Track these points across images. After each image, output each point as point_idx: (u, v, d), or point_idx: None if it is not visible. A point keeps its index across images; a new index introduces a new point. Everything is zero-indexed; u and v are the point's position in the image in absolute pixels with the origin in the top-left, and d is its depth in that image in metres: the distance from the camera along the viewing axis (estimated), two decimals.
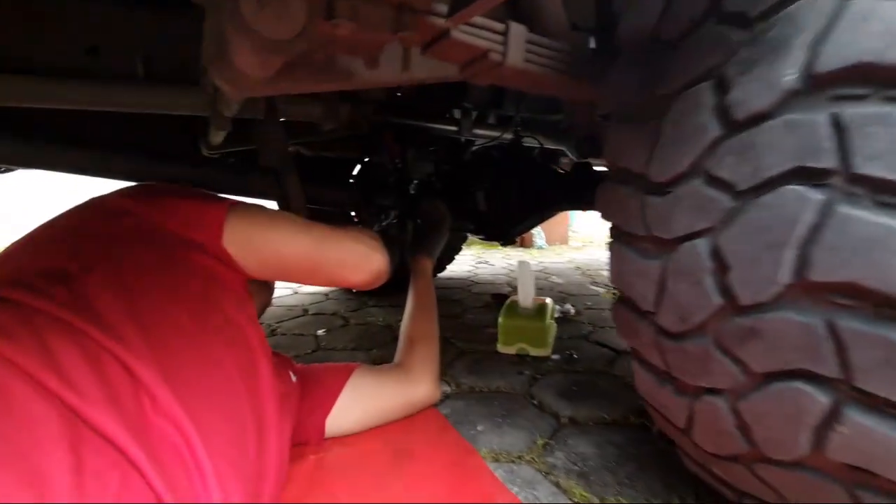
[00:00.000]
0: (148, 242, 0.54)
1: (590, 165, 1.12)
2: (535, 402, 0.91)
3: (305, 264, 0.66)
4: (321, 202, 1.15)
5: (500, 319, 1.21)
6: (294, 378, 0.73)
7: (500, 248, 3.80)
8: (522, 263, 1.26)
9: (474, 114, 1.22)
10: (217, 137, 1.16)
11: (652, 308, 0.43)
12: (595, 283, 2.22)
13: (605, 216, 0.49)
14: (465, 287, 2.12)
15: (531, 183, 1.18)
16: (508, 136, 1.30)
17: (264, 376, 0.58)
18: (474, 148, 1.36)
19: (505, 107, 1.26)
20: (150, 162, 0.84)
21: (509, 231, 1.24)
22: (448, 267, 2.28)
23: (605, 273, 2.56)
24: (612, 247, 0.48)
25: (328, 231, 0.68)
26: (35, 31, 0.84)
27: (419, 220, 1.14)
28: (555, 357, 1.16)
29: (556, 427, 0.81)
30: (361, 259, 0.68)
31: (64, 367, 0.35)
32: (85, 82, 0.89)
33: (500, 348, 1.21)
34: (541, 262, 2.98)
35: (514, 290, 2.11)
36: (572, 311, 1.59)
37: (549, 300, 1.29)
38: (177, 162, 0.84)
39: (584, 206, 1.12)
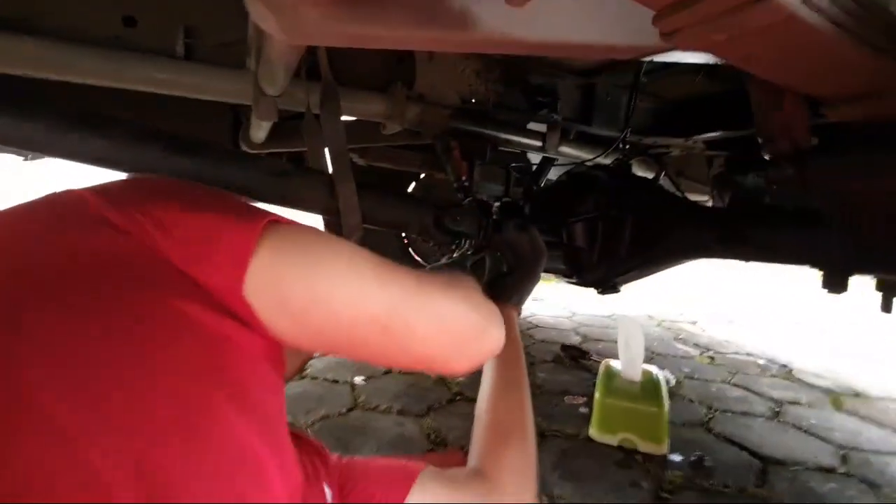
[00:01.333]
0: (124, 278, 0.30)
1: (759, 198, 0.82)
2: None
3: (380, 340, 0.39)
4: (375, 221, 0.91)
5: (598, 396, 0.91)
6: (329, 495, 0.47)
7: (549, 281, 3.46)
8: (627, 319, 0.97)
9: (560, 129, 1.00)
10: (260, 131, 0.95)
11: None
12: (679, 340, 1.86)
13: None
14: (525, 332, 1.82)
15: (655, 217, 0.89)
16: (605, 159, 1.05)
17: None
18: (567, 169, 1.10)
19: (594, 124, 1.02)
20: (163, 154, 0.62)
21: (613, 277, 0.96)
22: None
23: (688, 328, 2.20)
24: None
25: (417, 283, 0.42)
26: None
27: (502, 253, 0.86)
28: (674, 458, 0.84)
29: None
30: (475, 336, 0.42)
31: None
32: (112, 53, 0.72)
33: (596, 436, 0.90)
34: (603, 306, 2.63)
35: (585, 338, 1.79)
36: (672, 380, 1.26)
37: (656, 370, 0.98)
38: (195, 156, 0.61)
39: (748, 254, 0.81)
